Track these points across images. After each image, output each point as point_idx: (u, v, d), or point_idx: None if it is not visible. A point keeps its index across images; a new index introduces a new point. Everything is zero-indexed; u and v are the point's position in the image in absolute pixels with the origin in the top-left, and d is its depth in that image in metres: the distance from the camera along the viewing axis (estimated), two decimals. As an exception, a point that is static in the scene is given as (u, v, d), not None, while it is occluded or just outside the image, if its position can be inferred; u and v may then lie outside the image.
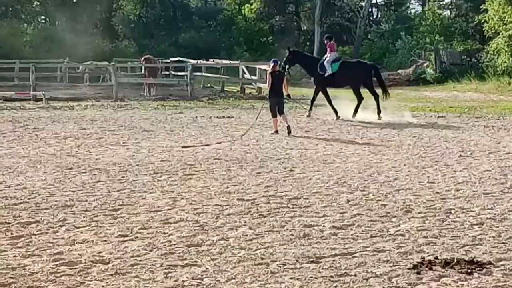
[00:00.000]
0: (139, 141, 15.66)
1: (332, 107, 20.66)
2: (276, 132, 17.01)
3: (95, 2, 57.91)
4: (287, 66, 21.14)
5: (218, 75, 36.16)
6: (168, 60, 41.67)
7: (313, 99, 21.27)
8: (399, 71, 43.58)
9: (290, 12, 65.72)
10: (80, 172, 11.48)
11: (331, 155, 13.66)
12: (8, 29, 49.39)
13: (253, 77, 32.90)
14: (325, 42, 22.01)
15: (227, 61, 39.65)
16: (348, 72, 21.00)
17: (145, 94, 30.95)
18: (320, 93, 20.98)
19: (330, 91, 21.47)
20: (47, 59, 39.51)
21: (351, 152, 14.09)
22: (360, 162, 12.81)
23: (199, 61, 38.23)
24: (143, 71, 34.18)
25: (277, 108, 17.25)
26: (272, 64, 17.78)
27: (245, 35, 58.22)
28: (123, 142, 15.37)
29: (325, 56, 21.33)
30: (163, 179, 10.94)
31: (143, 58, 34.00)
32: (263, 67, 29.69)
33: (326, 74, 20.66)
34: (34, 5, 60.66)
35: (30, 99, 27.25)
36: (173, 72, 40.05)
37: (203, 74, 36.18)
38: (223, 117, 21.28)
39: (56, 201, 9.23)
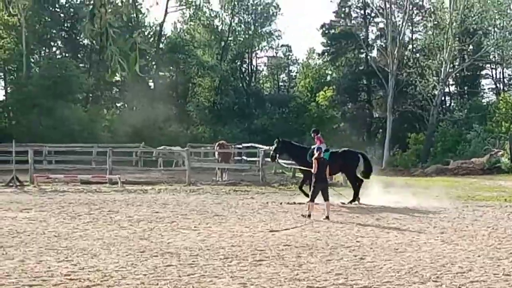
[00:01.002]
0: (210, 225, 15.81)
1: (303, 191, 21.22)
2: (309, 216, 17.16)
3: (171, 89, 59.77)
4: (277, 155, 23.20)
5: (289, 161, 36.33)
6: (240, 146, 42.23)
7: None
8: (473, 159, 42.93)
9: (362, 100, 66.30)
10: (152, 256, 11.63)
11: (403, 243, 13.47)
12: (88, 115, 51.17)
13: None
14: (312, 135, 23.40)
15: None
16: (336, 160, 21.60)
17: (217, 179, 31.31)
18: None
19: None
20: (123, 144, 40.65)
21: (423, 241, 13.86)
22: (432, 251, 12.57)
23: (271, 147, 38.51)
24: (216, 156, 34.67)
25: (320, 194, 17.62)
26: (317, 152, 18.24)
27: (317, 122, 58.71)
28: (195, 226, 15.55)
29: (314, 146, 21.79)
30: (233, 264, 10.97)
31: (217, 144, 34.50)
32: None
33: None
34: (113, 92, 63.01)
35: (106, 182, 28.00)
36: (245, 158, 40.47)
37: (275, 160, 36.38)
38: (294, 203, 21.28)
39: (128, 284, 9.36)
